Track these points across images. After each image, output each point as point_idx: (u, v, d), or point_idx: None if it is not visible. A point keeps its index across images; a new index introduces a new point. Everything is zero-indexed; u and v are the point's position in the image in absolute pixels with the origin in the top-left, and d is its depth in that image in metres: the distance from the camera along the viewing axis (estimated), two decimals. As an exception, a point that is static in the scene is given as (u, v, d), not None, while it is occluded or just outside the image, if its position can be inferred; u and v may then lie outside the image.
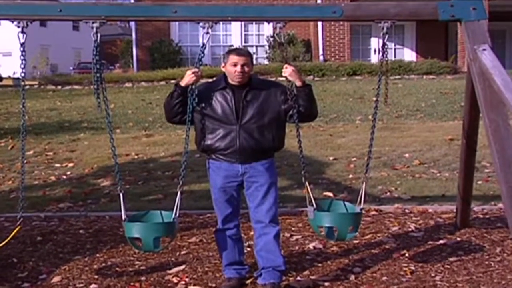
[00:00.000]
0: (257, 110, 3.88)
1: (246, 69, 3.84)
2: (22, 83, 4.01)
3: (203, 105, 3.89)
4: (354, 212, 3.93)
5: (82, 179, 7.89)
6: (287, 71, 3.87)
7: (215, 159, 3.95)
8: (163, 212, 3.92)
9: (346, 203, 4.07)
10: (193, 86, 3.84)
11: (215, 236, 4.15)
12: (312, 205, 3.87)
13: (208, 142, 3.91)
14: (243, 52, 3.94)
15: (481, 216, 5.74)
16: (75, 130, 11.68)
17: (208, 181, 4.07)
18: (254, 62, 4.34)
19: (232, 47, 7.55)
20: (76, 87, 19.29)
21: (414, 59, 21.69)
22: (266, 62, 21.32)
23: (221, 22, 4.09)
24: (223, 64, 3.94)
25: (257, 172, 3.91)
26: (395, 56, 22.04)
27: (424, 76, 18.86)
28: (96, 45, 3.79)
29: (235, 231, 4.06)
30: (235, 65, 3.83)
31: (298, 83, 3.86)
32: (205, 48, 3.86)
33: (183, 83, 3.85)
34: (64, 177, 8.06)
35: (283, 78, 3.95)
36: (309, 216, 3.94)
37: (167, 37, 21.99)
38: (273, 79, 16.05)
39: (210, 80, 4.31)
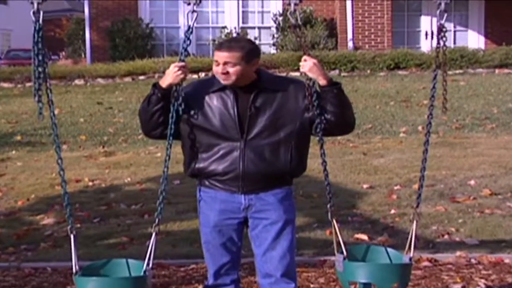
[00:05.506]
0: (270, 120, 3.88)
1: (229, 69, 3.80)
2: None
3: (193, 113, 3.90)
4: (399, 263, 3.94)
5: (14, 216, 7.89)
6: (307, 64, 3.88)
7: (209, 186, 3.97)
8: (130, 261, 3.93)
9: (388, 249, 4.08)
10: (179, 87, 3.87)
11: (204, 296, 4.16)
12: (341, 253, 3.89)
13: (201, 164, 3.92)
14: (224, 46, 3.89)
15: None
16: (4, 146, 11.69)
17: (194, 219, 4.08)
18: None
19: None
20: (4, 84, 19.34)
21: (483, 47, 21.77)
22: (272, 50, 21.39)
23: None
24: None
25: (267, 205, 3.92)
26: (455, 43, 22.14)
27: (497, 70, 18.94)
28: (37, 28, 3.81)
29: (232, 289, 4.07)
30: (217, 64, 3.85)
31: (322, 82, 3.87)
32: (191, 32, 3.89)
33: (165, 83, 3.87)
34: (-11, 212, 8.08)
35: (298, 74, 3.96)
36: (336, 268, 3.95)
37: (134, 15, 22.11)
38: (283, 74, 16.22)
39: (196, 76, 4.33)
